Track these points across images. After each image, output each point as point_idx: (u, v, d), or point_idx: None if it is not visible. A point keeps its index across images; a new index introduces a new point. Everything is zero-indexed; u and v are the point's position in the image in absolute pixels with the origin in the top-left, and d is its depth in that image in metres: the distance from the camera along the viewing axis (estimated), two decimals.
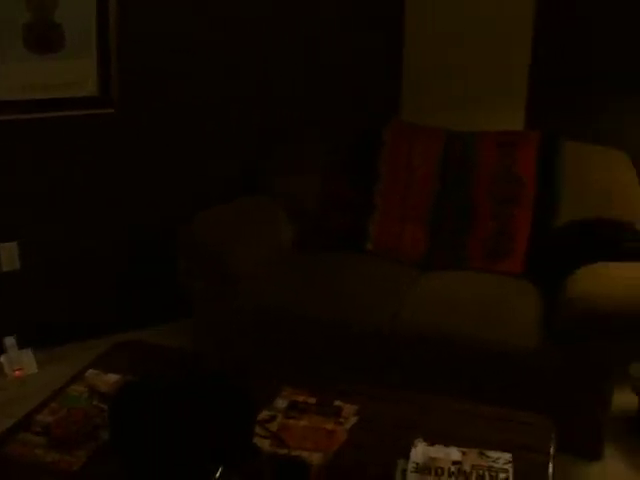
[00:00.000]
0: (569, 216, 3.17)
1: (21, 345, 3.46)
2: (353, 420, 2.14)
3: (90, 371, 2.35)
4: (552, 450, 2.07)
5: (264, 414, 2.14)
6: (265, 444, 2.01)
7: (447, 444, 2.03)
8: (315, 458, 1.97)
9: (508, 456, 1.99)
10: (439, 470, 1.93)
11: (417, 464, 1.94)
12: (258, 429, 2.02)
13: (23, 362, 3.40)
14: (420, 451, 1.99)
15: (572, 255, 2.91)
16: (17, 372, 3.36)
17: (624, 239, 2.96)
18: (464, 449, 2.01)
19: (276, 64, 3.76)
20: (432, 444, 2.02)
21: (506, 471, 1.94)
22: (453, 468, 1.94)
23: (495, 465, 1.96)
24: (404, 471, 1.91)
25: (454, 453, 1.99)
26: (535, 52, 3.76)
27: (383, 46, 3.90)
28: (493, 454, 1.99)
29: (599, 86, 3.64)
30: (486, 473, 1.93)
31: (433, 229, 3.30)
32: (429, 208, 3.31)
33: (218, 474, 1.78)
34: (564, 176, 3.24)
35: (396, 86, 3.93)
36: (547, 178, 3.22)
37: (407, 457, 1.96)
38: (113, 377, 2.30)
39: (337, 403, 2.21)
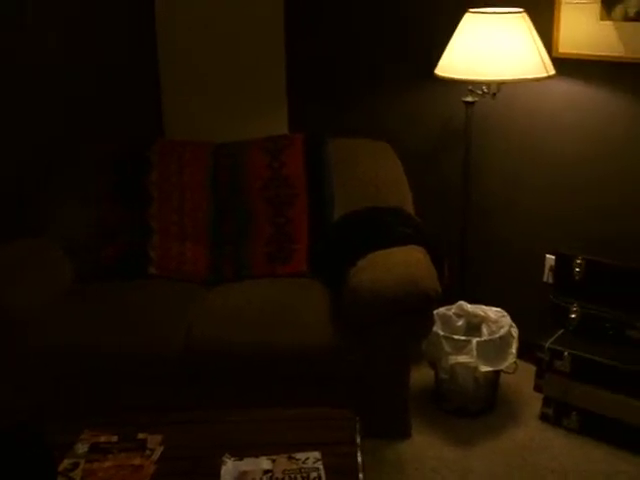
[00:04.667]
0: (343, 210, 3.27)
1: None
2: (159, 450, 2.10)
3: None
4: (358, 440, 2.13)
5: (65, 463, 2.05)
6: None
7: (256, 455, 2.03)
8: None
9: (317, 454, 2.03)
10: None
11: None
12: None
13: None
14: (230, 468, 1.98)
15: (351, 247, 2.99)
16: None
17: (398, 224, 3.09)
18: (274, 457, 2.02)
19: (24, 99, 3.58)
20: (241, 458, 2.02)
21: (317, 469, 1.97)
22: (265, 478, 1.95)
23: (305, 466, 1.99)
24: None
25: (264, 463, 2.00)
26: (289, 56, 3.85)
27: (138, 64, 3.83)
28: (302, 455, 2.02)
29: (355, 81, 3.79)
30: (298, 476, 1.95)
31: (214, 244, 3.29)
32: (207, 223, 3.30)
33: None
34: (333, 172, 3.33)
35: (156, 102, 3.87)
36: (317, 176, 3.30)
37: (219, 477, 1.95)
38: None
39: (141, 436, 2.16)
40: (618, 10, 2.96)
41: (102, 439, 2.15)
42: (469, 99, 3.18)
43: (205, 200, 3.33)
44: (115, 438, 2.15)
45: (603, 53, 3.03)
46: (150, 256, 3.24)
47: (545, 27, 3.11)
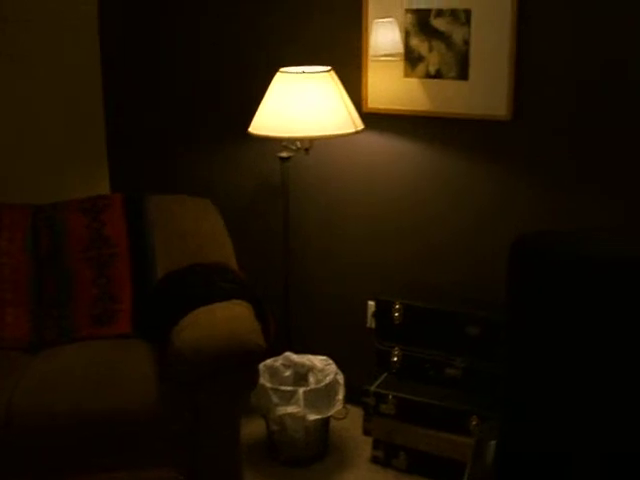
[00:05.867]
0: (166, 268, 3.24)
1: None
2: None
3: None
4: None
5: None
6: None
7: None
8: None
9: None
10: None
11: None
12: None
13: None
14: None
15: (174, 306, 2.98)
16: None
17: (220, 280, 3.10)
18: None
19: None
20: None
21: None
22: None
23: None
24: None
25: None
26: (109, 114, 3.85)
27: None
28: None
29: (176, 141, 3.83)
30: None
31: (36, 308, 3.18)
32: (28, 288, 3.18)
33: None
34: (154, 230, 3.31)
35: None
36: (138, 235, 3.27)
37: None
38: None
39: None
40: (420, 68, 3.16)
41: None
42: (284, 155, 3.28)
43: (25, 264, 3.23)
44: None
45: (408, 108, 3.21)
46: None
47: (354, 84, 3.27)
